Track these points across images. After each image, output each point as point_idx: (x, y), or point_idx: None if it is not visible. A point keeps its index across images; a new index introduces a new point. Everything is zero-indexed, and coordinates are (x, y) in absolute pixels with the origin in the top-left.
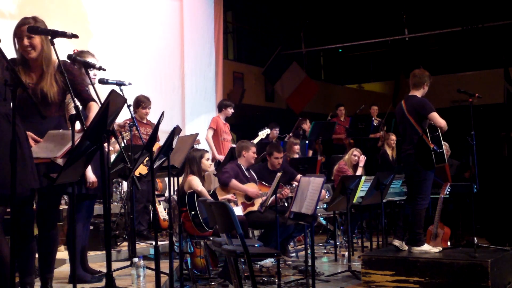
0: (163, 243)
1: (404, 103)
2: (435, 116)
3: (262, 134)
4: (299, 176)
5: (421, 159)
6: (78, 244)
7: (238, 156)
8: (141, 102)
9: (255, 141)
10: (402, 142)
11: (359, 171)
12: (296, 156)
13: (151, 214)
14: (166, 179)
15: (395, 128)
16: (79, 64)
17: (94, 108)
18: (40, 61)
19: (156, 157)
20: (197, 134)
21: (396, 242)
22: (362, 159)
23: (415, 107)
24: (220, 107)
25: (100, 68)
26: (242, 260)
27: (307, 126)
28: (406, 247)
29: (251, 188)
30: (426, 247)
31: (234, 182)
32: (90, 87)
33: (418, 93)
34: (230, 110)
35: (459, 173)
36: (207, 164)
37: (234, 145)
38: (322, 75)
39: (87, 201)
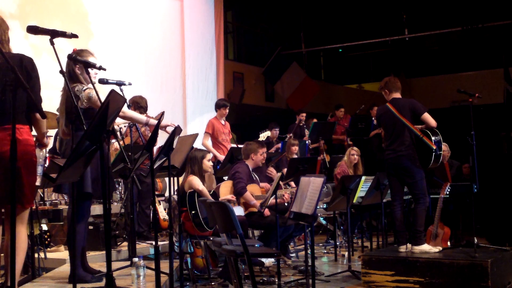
0: (163, 243)
1: (392, 106)
2: (428, 115)
3: (263, 136)
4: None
5: (420, 159)
6: (79, 244)
7: (245, 158)
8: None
9: None
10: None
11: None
12: (295, 156)
13: (151, 214)
14: (166, 179)
15: None
16: (80, 63)
17: None
18: None
19: (156, 157)
20: (197, 134)
21: (402, 248)
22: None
23: (410, 108)
24: (215, 107)
25: (100, 68)
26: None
27: (303, 118)
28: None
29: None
30: (426, 247)
31: (247, 194)
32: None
33: (400, 96)
34: (224, 111)
35: (459, 173)
36: (208, 164)
37: (233, 145)
38: (322, 75)
39: (88, 201)
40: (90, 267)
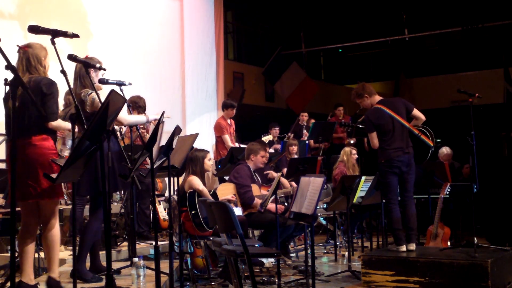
0: (163, 243)
1: (386, 107)
2: (417, 110)
3: (265, 139)
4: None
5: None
6: (91, 238)
7: (246, 158)
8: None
9: None
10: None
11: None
12: (295, 156)
13: (151, 214)
14: (166, 179)
15: None
16: (80, 63)
17: None
18: None
19: (156, 158)
20: (197, 134)
21: (402, 248)
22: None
23: (404, 106)
24: (222, 107)
25: (100, 68)
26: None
27: (305, 118)
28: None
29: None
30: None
31: (257, 202)
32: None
33: (379, 97)
34: (232, 111)
35: (458, 175)
36: (209, 164)
37: (235, 144)
38: (322, 75)
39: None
40: (101, 265)
